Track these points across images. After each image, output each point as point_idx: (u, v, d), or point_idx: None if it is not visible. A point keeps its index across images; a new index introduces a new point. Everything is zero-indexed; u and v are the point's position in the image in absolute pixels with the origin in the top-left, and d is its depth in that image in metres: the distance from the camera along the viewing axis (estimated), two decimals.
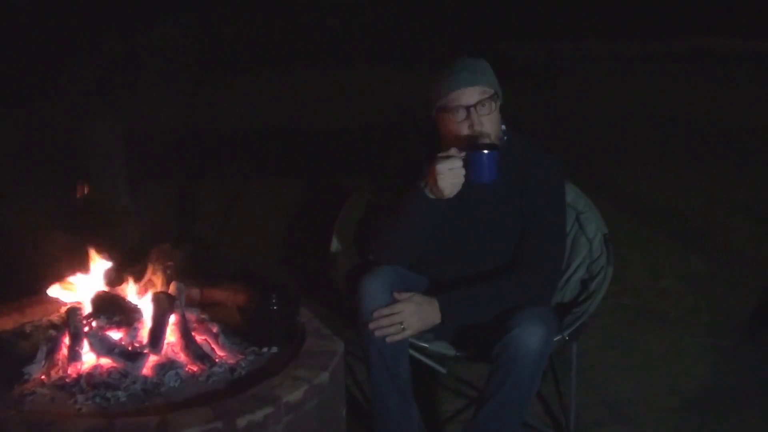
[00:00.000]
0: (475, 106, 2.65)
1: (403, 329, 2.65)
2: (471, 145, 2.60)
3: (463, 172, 2.56)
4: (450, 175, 2.55)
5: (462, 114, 2.67)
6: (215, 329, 2.80)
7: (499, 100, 2.75)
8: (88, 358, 2.59)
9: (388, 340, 2.65)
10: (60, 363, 2.57)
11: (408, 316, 2.65)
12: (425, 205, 2.64)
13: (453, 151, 2.56)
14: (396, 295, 2.67)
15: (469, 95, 2.66)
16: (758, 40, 9.49)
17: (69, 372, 2.53)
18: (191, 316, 2.85)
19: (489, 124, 2.68)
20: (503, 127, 2.80)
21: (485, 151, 2.56)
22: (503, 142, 2.79)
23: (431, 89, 2.74)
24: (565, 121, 7.16)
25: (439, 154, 2.57)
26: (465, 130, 2.67)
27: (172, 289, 2.83)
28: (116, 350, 2.59)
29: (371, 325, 2.64)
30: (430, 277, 2.90)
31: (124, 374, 2.51)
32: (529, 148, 2.85)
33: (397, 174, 2.88)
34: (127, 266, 2.88)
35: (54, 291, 2.86)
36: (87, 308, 2.76)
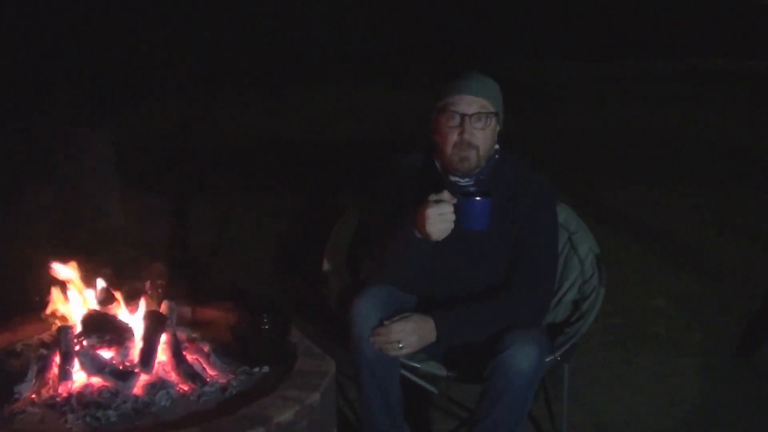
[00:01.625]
0: (471, 116, 2.67)
1: (401, 348, 2.64)
2: (464, 191, 2.59)
3: (453, 218, 2.52)
4: (439, 220, 2.51)
5: (456, 120, 2.68)
6: (206, 348, 2.79)
7: (499, 125, 2.77)
8: (79, 377, 2.58)
9: (387, 354, 2.63)
10: (51, 382, 2.56)
11: (407, 335, 2.64)
12: (414, 243, 2.62)
13: (445, 195, 2.53)
14: (387, 322, 2.67)
15: (468, 103, 2.68)
16: (749, 60, 9.55)
17: (59, 391, 2.52)
18: (182, 335, 2.85)
19: (481, 138, 2.69)
20: (497, 146, 2.81)
21: (477, 198, 2.52)
22: (494, 162, 2.80)
23: (437, 91, 2.77)
24: (558, 140, 7.18)
25: (431, 197, 2.54)
26: (455, 137, 2.68)
27: (163, 308, 2.83)
28: (107, 369, 2.59)
29: (370, 339, 2.62)
30: (421, 296, 2.90)
31: (115, 393, 2.51)
32: (522, 170, 2.85)
33: (392, 189, 2.87)
34: (118, 285, 2.87)
35: (45, 310, 2.86)
36: (78, 327, 2.75)
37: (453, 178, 2.79)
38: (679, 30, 9.76)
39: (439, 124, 2.73)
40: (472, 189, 2.62)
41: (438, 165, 2.81)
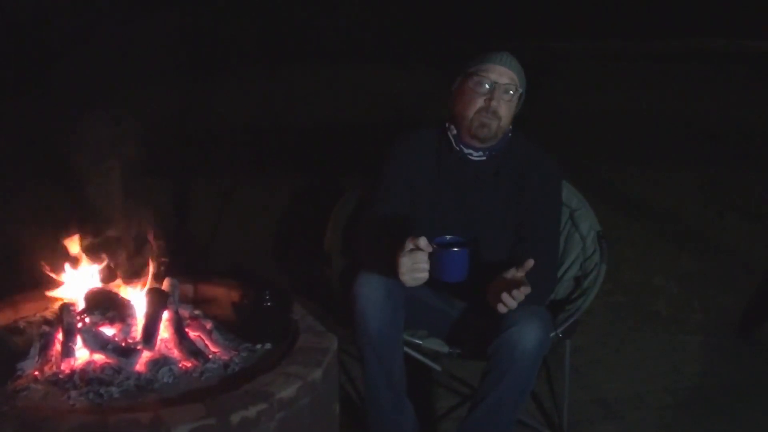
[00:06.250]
0: (501, 86, 2.70)
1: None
2: (441, 241, 2.48)
3: (426, 267, 2.42)
4: (411, 269, 2.42)
5: (486, 86, 2.70)
6: (209, 325, 2.80)
7: (519, 106, 2.80)
8: (82, 353, 2.59)
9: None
10: (53, 359, 2.56)
11: None
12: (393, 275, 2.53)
13: (422, 242, 2.41)
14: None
15: (501, 74, 2.71)
16: (753, 40, 9.51)
17: (62, 368, 2.53)
18: (185, 312, 2.85)
19: (505, 109, 2.72)
20: (510, 126, 2.82)
21: (455, 250, 2.42)
22: (507, 139, 2.82)
23: (469, 57, 2.78)
24: (560, 119, 7.17)
25: (407, 244, 2.42)
26: (481, 103, 2.70)
27: (165, 285, 2.83)
28: (109, 346, 2.59)
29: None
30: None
31: (118, 370, 2.51)
32: (532, 149, 2.87)
33: (402, 159, 2.87)
34: (120, 262, 2.87)
35: (47, 287, 2.86)
36: (80, 304, 2.75)
37: (466, 150, 2.79)
38: (681, 9, 9.72)
39: (466, 88, 2.75)
40: (449, 239, 2.50)
41: (452, 137, 2.81)
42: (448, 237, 2.51)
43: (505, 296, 2.43)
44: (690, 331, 4.03)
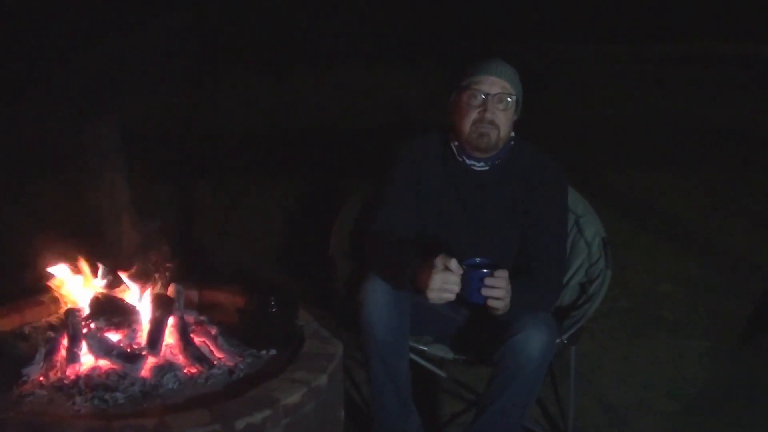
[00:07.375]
0: (494, 96, 2.70)
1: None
2: (471, 263, 2.52)
3: (456, 289, 2.45)
4: (441, 289, 2.46)
5: (479, 99, 2.71)
6: (214, 331, 2.79)
7: (517, 113, 2.79)
8: (87, 359, 2.59)
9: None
10: (58, 364, 2.57)
11: None
12: (407, 288, 2.59)
13: (453, 264, 2.46)
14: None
15: (492, 84, 2.71)
16: (756, 44, 9.49)
17: (67, 373, 2.53)
18: (190, 318, 2.85)
19: (502, 119, 2.72)
20: (512, 134, 2.82)
21: (484, 271, 2.46)
22: (509, 147, 2.81)
23: (460, 70, 2.79)
24: (563, 124, 7.15)
25: (438, 261, 2.47)
26: (475, 115, 2.70)
27: (170, 290, 2.83)
28: (115, 352, 2.59)
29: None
30: None
31: (123, 376, 2.52)
32: (537, 155, 2.86)
33: (409, 167, 2.87)
34: (125, 268, 2.87)
35: (53, 292, 2.86)
36: (86, 310, 2.75)
37: (469, 162, 2.79)
38: (687, 12, 9.70)
39: (460, 102, 2.75)
40: (478, 261, 2.54)
41: (454, 148, 2.81)
42: (477, 259, 2.54)
43: (485, 290, 2.45)
44: (695, 337, 4.02)
